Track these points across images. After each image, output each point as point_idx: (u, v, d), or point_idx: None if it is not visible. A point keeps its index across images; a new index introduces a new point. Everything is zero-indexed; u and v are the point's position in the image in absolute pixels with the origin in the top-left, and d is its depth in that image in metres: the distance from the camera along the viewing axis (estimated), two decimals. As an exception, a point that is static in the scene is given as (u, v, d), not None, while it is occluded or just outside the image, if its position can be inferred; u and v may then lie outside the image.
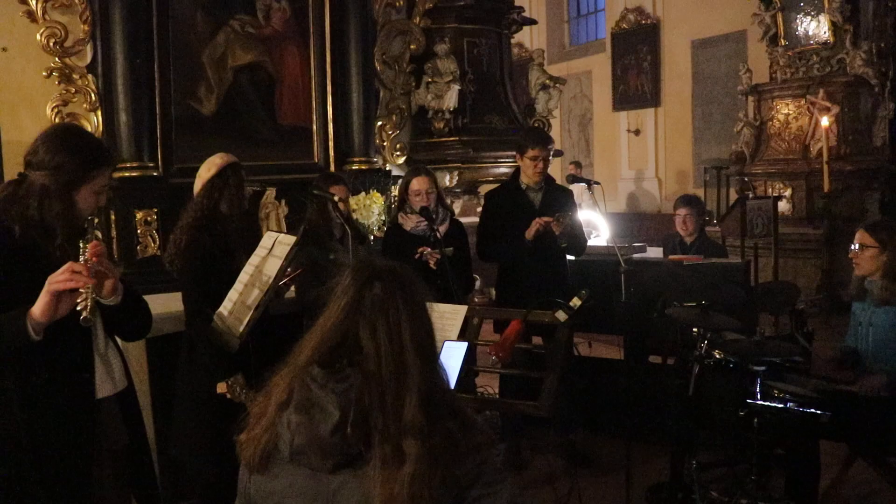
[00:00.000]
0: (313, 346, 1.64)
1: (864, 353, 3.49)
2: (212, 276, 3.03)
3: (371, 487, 1.51)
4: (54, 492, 2.10)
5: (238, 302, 2.65)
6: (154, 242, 4.49)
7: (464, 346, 2.40)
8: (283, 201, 4.89)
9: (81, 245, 2.06)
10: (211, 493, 3.11)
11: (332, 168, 5.23)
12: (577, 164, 11.82)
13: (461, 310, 2.72)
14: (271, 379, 1.69)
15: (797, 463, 3.33)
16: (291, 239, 2.68)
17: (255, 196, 3.33)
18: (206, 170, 3.16)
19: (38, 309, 1.97)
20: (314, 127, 5.26)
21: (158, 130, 4.65)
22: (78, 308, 1.99)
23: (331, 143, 5.30)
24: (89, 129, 4.51)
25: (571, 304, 2.73)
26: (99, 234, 4.34)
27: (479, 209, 7.69)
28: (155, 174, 4.59)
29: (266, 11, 5.04)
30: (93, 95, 4.55)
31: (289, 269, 2.90)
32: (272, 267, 2.61)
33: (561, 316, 2.70)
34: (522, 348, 3.22)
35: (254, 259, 2.79)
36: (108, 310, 2.20)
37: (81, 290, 1.98)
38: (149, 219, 4.50)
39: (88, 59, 4.56)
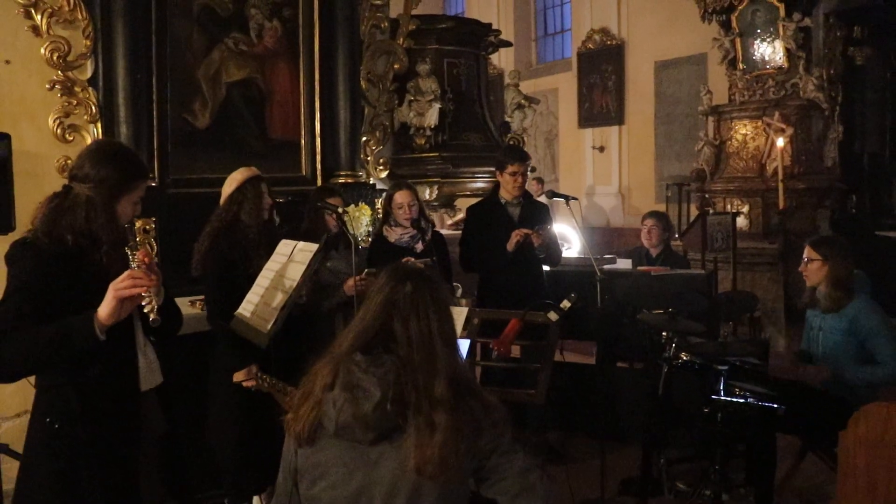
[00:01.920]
0: (354, 337, 1.91)
1: (816, 355, 3.85)
2: (230, 279, 3.32)
3: (407, 454, 1.79)
4: (108, 479, 2.32)
5: (261, 304, 2.90)
6: (152, 250, 4.66)
7: (466, 343, 2.68)
8: (274, 212, 5.10)
9: (129, 252, 2.28)
10: (239, 477, 3.38)
11: (320, 181, 5.48)
12: (539, 180, 12.12)
13: (463, 311, 3.01)
14: (314, 365, 1.96)
15: (756, 454, 3.67)
16: (313, 246, 2.94)
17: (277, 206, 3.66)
18: (228, 185, 3.46)
19: (105, 312, 2.18)
20: (303, 141, 5.50)
21: (156, 142, 4.85)
22: (146, 310, 2.23)
23: (318, 157, 5.55)
24: (90, 140, 4.71)
25: (562, 305, 3.03)
26: (153, 243, 4.56)
27: (449, 222, 8.01)
28: (153, 184, 4.78)
29: (258, 30, 5.28)
30: (93, 108, 4.72)
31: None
32: (295, 271, 2.87)
33: (553, 316, 3.00)
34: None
35: (272, 265, 3.05)
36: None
37: (144, 294, 2.21)
38: (147, 227, 4.65)
39: (90, 72, 4.74)
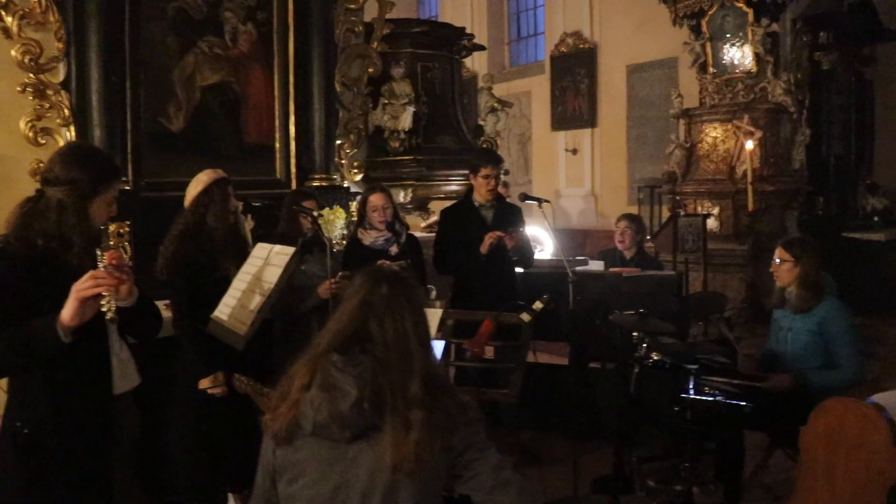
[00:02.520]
0: (330, 338, 1.95)
1: (784, 355, 3.94)
2: (197, 283, 3.32)
3: (383, 452, 1.83)
4: (80, 484, 2.32)
5: (237, 307, 2.92)
6: (126, 253, 4.67)
7: (440, 343, 2.73)
8: (249, 216, 5.11)
9: (99, 253, 2.28)
10: (198, 482, 3.38)
11: (294, 184, 5.51)
12: (505, 185, 12.09)
13: (437, 312, 3.06)
14: (292, 366, 1.99)
15: (725, 451, 3.75)
16: (290, 250, 2.98)
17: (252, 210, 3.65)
18: (194, 186, 3.45)
19: (67, 314, 2.18)
20: (277, 144, 5.53)
21: (129, 146, 4.86)
22: (103, 309, 2.22)
23: (293, 161, 5.58)
24: (62, 143, 4.69)
25: (534, 307, 3.09)
26: (127, 246, 4.56)
27: (422, 225, 8.06)
28: (127, 188, 4.78)
29: (233, 34, 5.30)
30: (66, 111, 4.71)
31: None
32: (272, 275, 2.90)
33: (525, 317, 3.06)
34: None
35: (248, 268, 3.07)
36: (123, 311, 2.43)
37: (104, 294, 2.21)
38: (121, 231, 4.68)
39: (62, 75, 4.73)
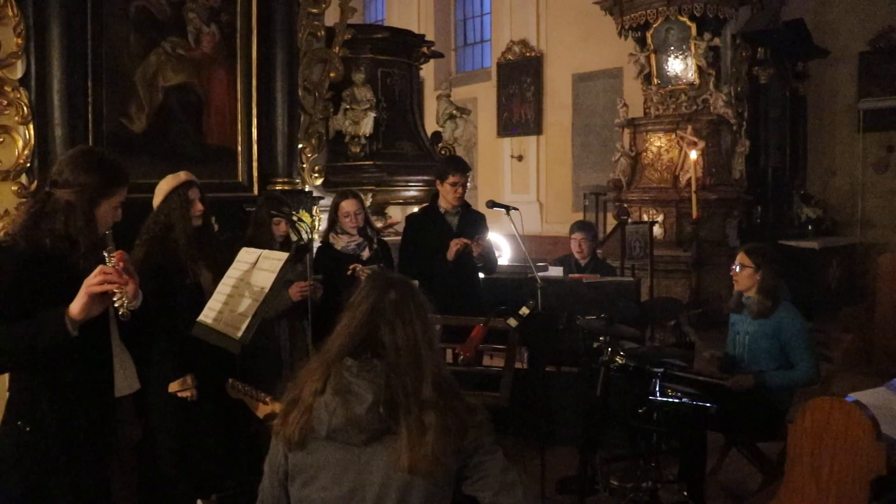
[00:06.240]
0: (341, 343, 1.99)
1: (740, 357, 4.11)
2: (165, 289, 3.32)
3: (399, 454, 1.88)
4: (79, 486, 2.32)
5: (226, 311, 2.92)
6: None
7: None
8: (213, 218, 5.07)
9: (106, 255, 2.33)
10: (176, 487, 3.36)
11: (256, 188, 5.48)
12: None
13: (425, 318, 3.11)
14: (301, 371, 2.03)
15: (689, 450, 3.90)
16: (282, 255, 3.00)
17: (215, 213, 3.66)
18: (156, 196, 3.56)
19: (76, 308, 2.22)
20: (239, 147, 5.48)
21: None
22: (116, 305, 2.27)
23: (255, 164, 5.54)
24: (21, 142, 4.59)
25: (521, 312, 3.18)
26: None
27: (378, 226, 8.08)
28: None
29: (196, 35, 5.24)
30: (25, 108, 4.58)
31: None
32: (263, 279, 2.90)
33: (512, 322, 3.15)
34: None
35: (234, 273, 3.08)
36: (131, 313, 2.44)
37: (116, 291, 2.25)
38: (82, 233, 4.60)
39: (20, 72, 4.60)
